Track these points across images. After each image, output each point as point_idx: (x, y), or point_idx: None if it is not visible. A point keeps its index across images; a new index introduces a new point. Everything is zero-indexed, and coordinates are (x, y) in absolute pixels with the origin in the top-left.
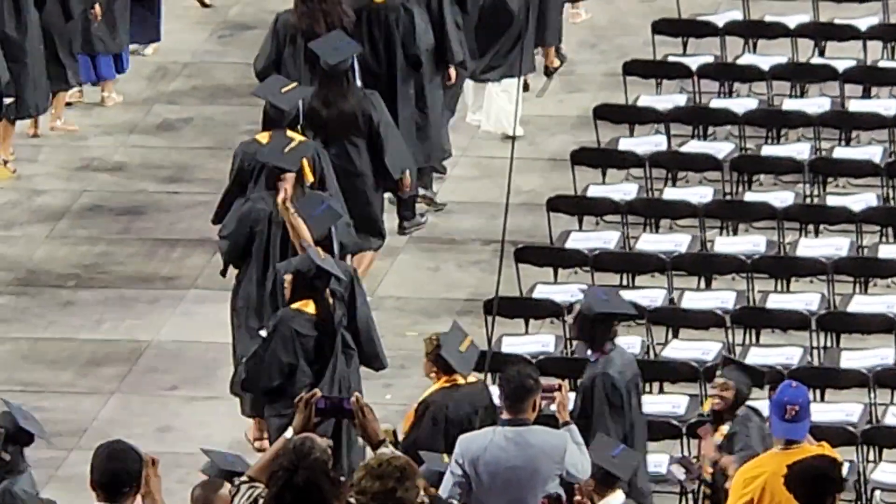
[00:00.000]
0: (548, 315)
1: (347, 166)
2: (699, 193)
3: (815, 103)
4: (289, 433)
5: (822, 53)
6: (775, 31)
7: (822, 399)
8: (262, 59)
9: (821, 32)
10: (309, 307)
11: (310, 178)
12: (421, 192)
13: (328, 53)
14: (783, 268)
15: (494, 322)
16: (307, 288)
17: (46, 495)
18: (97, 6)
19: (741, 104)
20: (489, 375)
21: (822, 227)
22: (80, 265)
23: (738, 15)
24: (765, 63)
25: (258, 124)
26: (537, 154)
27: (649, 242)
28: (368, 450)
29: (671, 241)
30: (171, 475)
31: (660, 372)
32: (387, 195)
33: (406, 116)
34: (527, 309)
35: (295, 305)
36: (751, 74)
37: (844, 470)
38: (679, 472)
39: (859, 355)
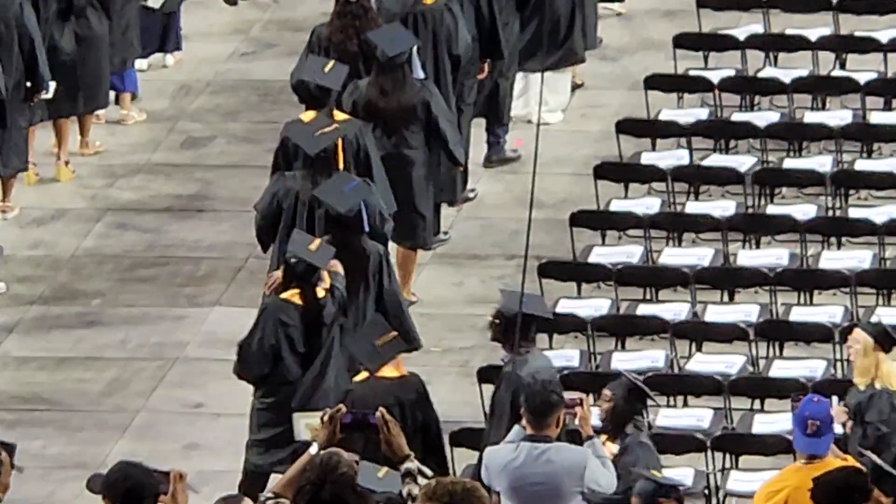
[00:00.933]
0: (572, 330)
1: (405, 155)
2: (721, 207)
3: (837, 116)
4: (314, 448)
5: (843, 66)
6: (796, 43)
7: None
8: (298, 70)
9: (842, 45)
10: (297, 297)
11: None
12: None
13: (386, 44)
14: (806, 280)
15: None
16: (296, 278)
17: None
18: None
19: (763, 117)
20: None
21: (844, 239)
22: (106, 283)
23: (759, 28)
24: (786, 76)
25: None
26: (560, 169)
27: (672, 256)
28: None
29: (694, 254)
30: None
31: (684, 385)
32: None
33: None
34: (551, 324)
35: (284, 295)
36: (772, 87)
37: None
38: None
39: None
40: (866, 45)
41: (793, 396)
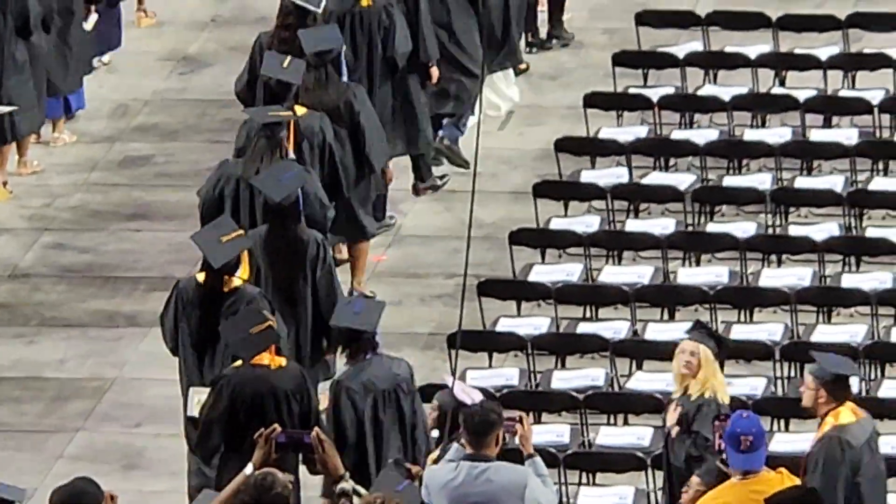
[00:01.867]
0: (511, 348)
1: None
2: (661, 225)
3: (777, 133)
4: (249, 469)
5: (782, 83)
6: (736, 61)
7: (787, 429)
8: (241, 81)
9: (781, 62)
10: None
11: (289, 148)
12: (421, 185)
13: (309, 42)
14: (746, 298)
15: (458, 356)
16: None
17: None
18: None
19: (702, 135)
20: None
21: (784, 256)
22: (44, 303)
23: (698, 46)
24: (726, 94)
25: (220, 160)
26: (499, 187)
27: (612, 274)
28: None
29: (634, 272)
30: None
31: (624, 404)
32: None
33: (384, 112)
34: (490, 342)
35: (196, 273)
36: (712, 105)
37: None
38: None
39: None
40: (806, 63)
41: (714, 422)
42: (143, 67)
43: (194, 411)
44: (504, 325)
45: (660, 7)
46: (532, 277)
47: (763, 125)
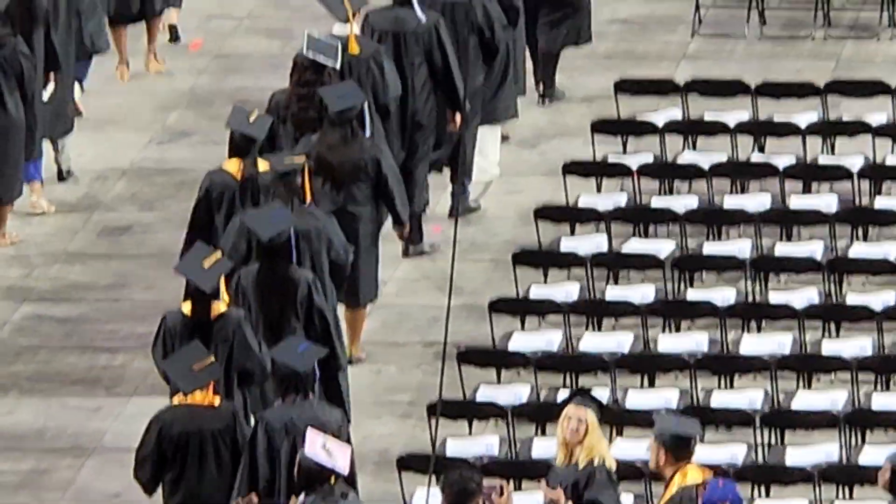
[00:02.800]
0: (491, 416)
1: (352, 211)
2: (641, 292)
3: (756, 200)
4: None
5: (761, 150)
6: (715, 128)
7: (768, 496)
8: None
9: (760, 129)
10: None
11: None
12: (412, 249)
13: (332, 100)
14: (726, 365)
15: (438, 424)
16: (190, 291)
17: None
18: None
19: (682, 202)
20: (433, 478)
21: (764, 323)
22: (22, 373)
23: (677, 113)
24: (705, 161)
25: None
26: (479, 255)
27: (592, 342)
28: None
29: (614, 340)
30: None
31: None
32: None
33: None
34: (470, 411)
35: (183, 305)
36: (691, 172)
37: None
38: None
39: (804, 452)
40: (785, 130)
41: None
42: (121, 136)
43: None
44: (484, 394)
45: (638, 75)
46: (512, 345)
47: (742, 192)
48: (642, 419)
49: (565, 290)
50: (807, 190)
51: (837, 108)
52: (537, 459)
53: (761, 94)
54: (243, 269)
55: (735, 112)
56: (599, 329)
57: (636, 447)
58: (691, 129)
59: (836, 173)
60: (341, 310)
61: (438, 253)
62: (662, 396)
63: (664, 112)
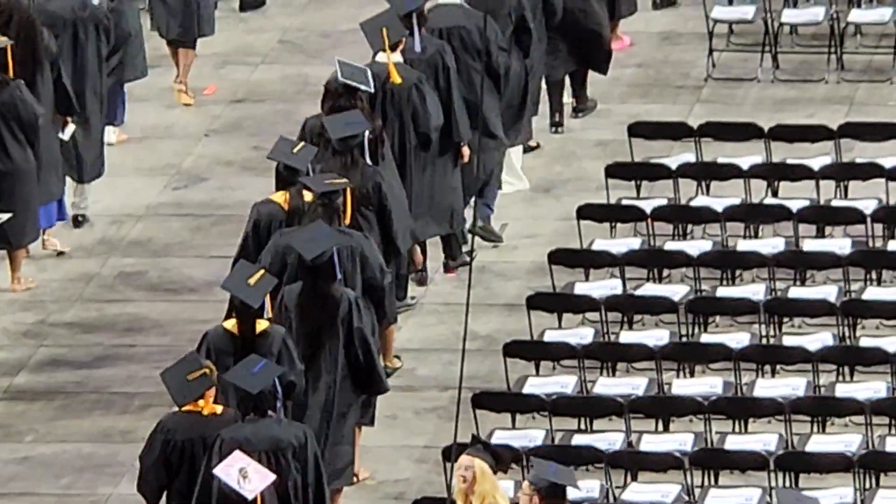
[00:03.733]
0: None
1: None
2: (655, 336)
3: (770, 244)
4: None
5: (775, 194)
6: (728, 172)
7: None
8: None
9: (773, 173)
10: (234, 327)
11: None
12: (452, 263)
13: (336, 129)
14: (740, 409)
15: (453, 469)
16: (235, 308)
17: None
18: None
19: (695, 246)
20: None
21: (778, 367)
22: (39, 419)
23: (690, 157)
24: (718, 204)
25: (215, 276)
26: (493, 299)
27: (606, 386)
28: None
29: (628, 384)
30: None
31: None
32: None
33: (419, 191)
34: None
35: (225, 323)
36: (705, 216)
37: None
38: None
39: (818, 495)
40: (798, 173)
41: None
42: (137, 181)
43: None
44: (499, 438)
45: (652, 119)
46: (526, 390)
47: (756, 236)
48: (656, 462)
49: (580, 333)
50: (820, 233)
51: (851, 152)
52: None
53: (774, 138)
54: (286, 288)
55: (748, 155)
56: (614, 373)
57: (652, 491)
58: (705, 173)
59: (850, 216)
60: None
61: (452, 298)
62: (677, 440)
63: (678, 156)
